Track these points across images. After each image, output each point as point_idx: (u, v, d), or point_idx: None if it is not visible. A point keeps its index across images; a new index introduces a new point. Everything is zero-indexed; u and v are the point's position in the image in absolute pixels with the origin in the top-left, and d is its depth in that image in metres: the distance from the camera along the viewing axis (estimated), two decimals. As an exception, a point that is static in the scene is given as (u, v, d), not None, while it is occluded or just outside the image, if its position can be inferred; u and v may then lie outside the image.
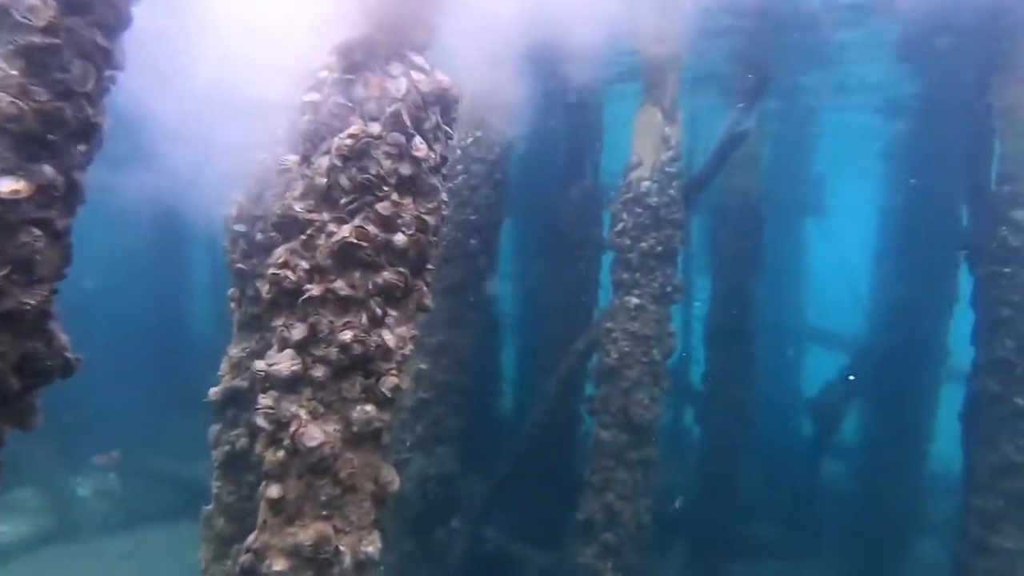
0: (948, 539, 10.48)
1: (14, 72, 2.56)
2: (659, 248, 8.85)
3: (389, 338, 3.99)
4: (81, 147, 2.81)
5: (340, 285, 3.93)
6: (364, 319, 3.95)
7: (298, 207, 4.03)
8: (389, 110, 3.99)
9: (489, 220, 9.90)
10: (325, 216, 3.99)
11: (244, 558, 4.00)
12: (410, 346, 4.11)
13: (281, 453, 3.90)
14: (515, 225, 15.68)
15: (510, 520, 12.50)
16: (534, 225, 14.67)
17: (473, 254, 9.85)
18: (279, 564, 3.86)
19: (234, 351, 5.91)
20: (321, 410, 3.94)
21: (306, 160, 4.12)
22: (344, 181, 3.95)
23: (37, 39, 2.58)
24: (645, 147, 8.98)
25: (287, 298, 4.02)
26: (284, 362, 3.91)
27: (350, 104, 4.04)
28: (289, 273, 3.99)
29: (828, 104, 17.43)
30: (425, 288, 4.23)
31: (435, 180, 4.15)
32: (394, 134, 3.98)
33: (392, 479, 4.26)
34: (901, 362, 13.77)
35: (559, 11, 7.15)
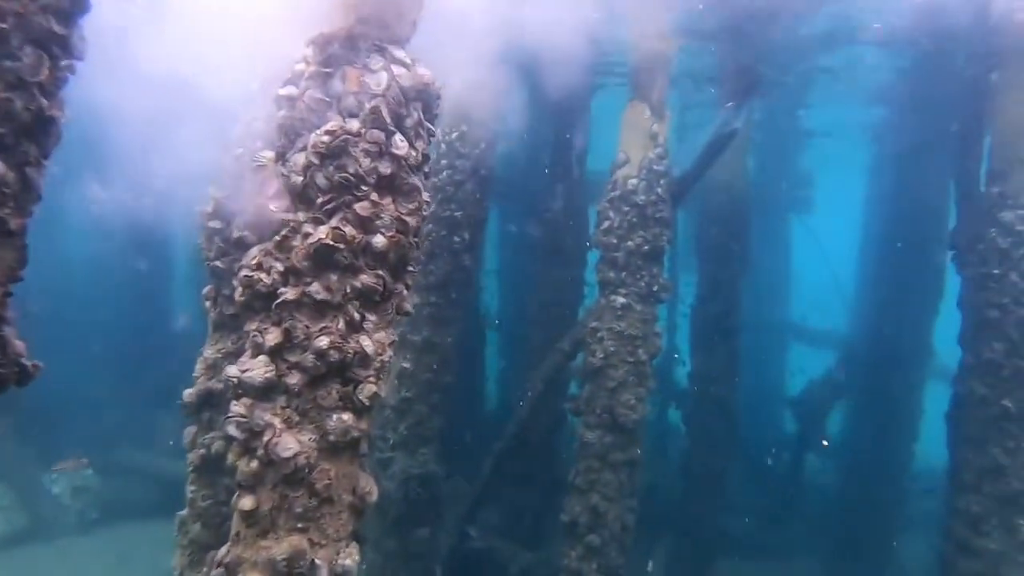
0: (932, 537, 10.49)
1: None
2: (646, 247, 8.74)
3: (367, 344, 3.83)
4: (35, 142, 2.63)
5: (316, 288, 3.76)
6: (341, 324, 3.79)
7: (273, 206, 3.85)
8: (368, 106, 3.83)
9: (474, 216, 9.75)
10: (301, 216, 3.82)
11: (216, 572, 3.84)
12: (389, 352, 3.95)
13: (254, 463, 3.74)
14: (500, 220, 15.56)
15: (494, 519, 12.39)
16: (519, 221, 14.54)
17: (458, 251, 9.70)
18: (252, 579, 3.70)
19: (209, 352, 5.72)
20: (296, 419, 3.78)
21: (281, 157, 3.94)
22: (321, 180, 3.78)
23: (-18, 26, 2.40)
24: (632, 144, 8.86)
25: (261, 301, 3.85)
26: (257, 369, 3.75)
27: (328, 99, 3.86)
28: (263, 275, 3.82)
29: (813, 100, 17.37)
30: (405, 292, 4.08)
31: (416, 179, 3.99)
32: (373, 131, 3.81)
33: (371, 489, 4.11)
34: (886, 360, 13.77)
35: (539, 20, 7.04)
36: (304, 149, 3.83)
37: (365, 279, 3.83)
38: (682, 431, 14.20)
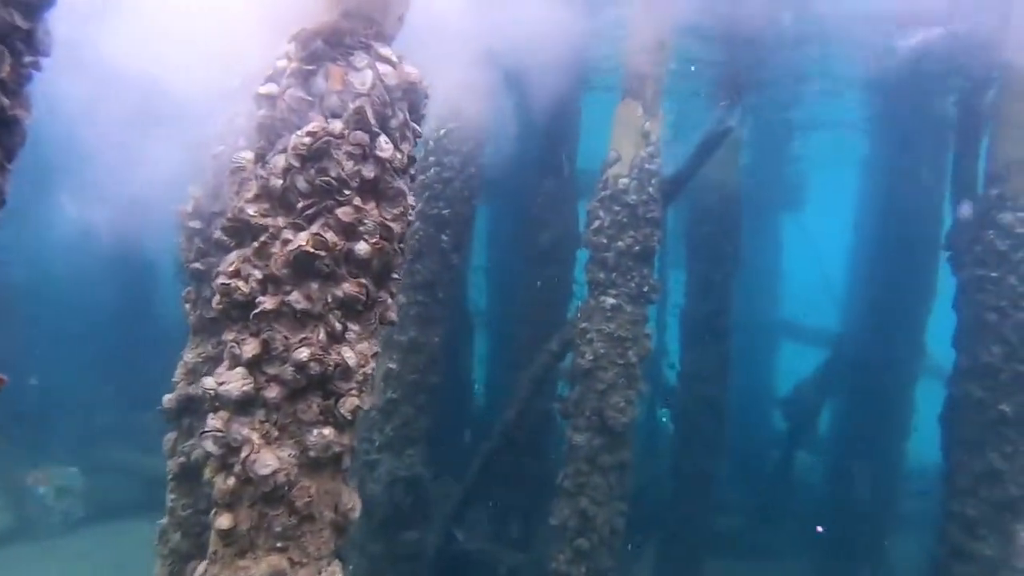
0: (924, 538, 10.43)
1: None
2: (636, 247, 8.59)
3: (349, 356, 3.66)
4: (-6, 146, 2.44)
5: (296, 298, 3.58)
6: (322, 335, 3.61)
7: (251, 210, 3.67)
8: (352, 106, 3.64)
9: (462, 215, 9.57)
10: (280, 222, 3.63)
11: (191, 592, 3.67)
12: (372, 364, 3.78)
13: (232, 480, 3.56)
14: (489, 218, 15.39)
15: (483, 520, 12.27)
16: (509, 218, 14.37)
17: (445, 250, 9.52)
18: (229, 601, 3.54)
19: (189, 356, 5.54)
20: (275, 434, 3.60)
21: (261, 159, 3.76)
22: (301, 183, 3.60)
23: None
24: (624, 142, 8.69)
25: (238, 310, 3.67)
26: (234, 381, 3.57)
27: (309, 98, 3.68)
28: (240, 283, 3.63)
29: (806, 99, 17.28)
30: (390, 300, 3.91)
31: (401, 183, 3.81)
32: (357, 132, 3.63)
33: (354, 505, 3.95)
34: (877, 359, 13.71)
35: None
36: (284, 151, 3.65)
37: (347, 288, 3.65)
38: (671, 430, 14.12)
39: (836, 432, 15.82)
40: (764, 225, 18.93)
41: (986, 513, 8.11)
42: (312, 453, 3.64)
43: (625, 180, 8.70)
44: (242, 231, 3.73)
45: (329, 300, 3.64)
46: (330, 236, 3.59)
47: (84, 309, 16.72)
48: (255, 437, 3.56)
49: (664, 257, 16.28)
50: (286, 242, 3.60)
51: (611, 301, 8.71)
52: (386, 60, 3.78)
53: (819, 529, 13.54)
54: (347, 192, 3.63)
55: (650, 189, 8.70)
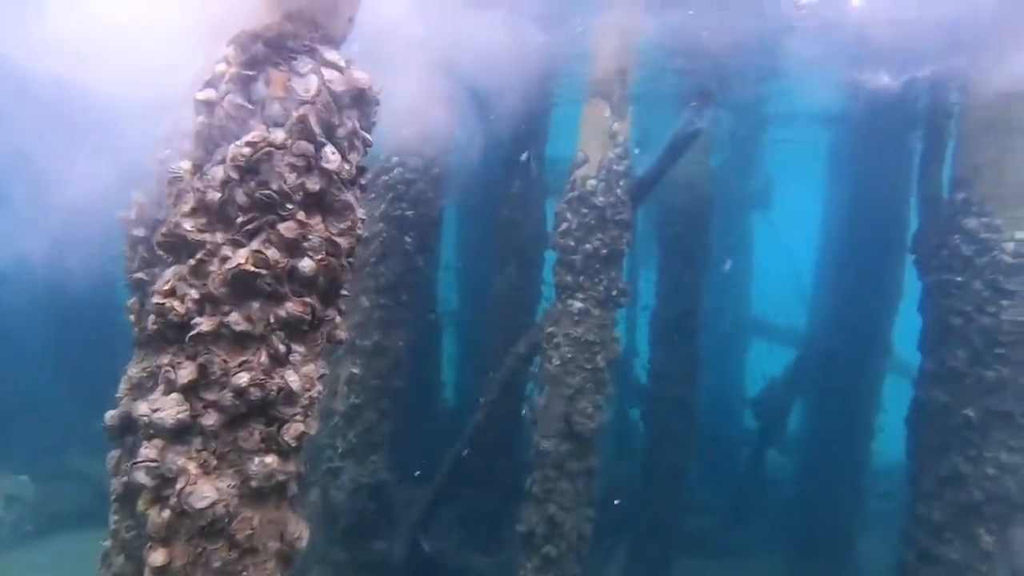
0: (891, 539, 10.43)
1: None
2: (604, 251, 8.45)
3: (293, 379, 3.45)
4: None
5: (236, 319, 3.36)
6: (264, 358, 3.40)
7: (187, 225, 3.44)
8: (295, 114, 3.43)
9: (427, 216, 9.35)
10: (218, 237, 3.41)
11: (125, 632, 3.45)
12: (319, 386, 3.58)
13: (166, 513, 3.34)
14: (458, 218, 15.19)
15: (452, 524, 12.10)
16: (476, 218, 14.17)
17: (409, 252, 9.31)
18: (164, 643, 3.32)
19: (134, 370, 5.25)
20: (214, 463, 3.39)
21: (198, 170, 3.53)
22: (241, 197, 3.38)
23: None
24: (592, 143, 8.54)
25: (174, 332, 3.45)
26: (169, 408, 3.34)
27: (250, 105, 3.46)
28: (176, 303, 3.41)
29: (775, 104, 17.35)
30: (338, 319, 3.70)
31: (349, 195, 3.60)
32: (301, 142, 3.42)
33: (300, 534, 3.74)
34: (845, 358, 13.72)
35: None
36: (223, 161, 3.42)
37: (291, 307, 3.44)
38: (642, 429, 14.04)
39: (806, 431, 15.84)
40: (734, 224, 18.92)
41: (951, 517, 8.10)
42: (254, 483, 3.43)
43: (593, 182, 8.56)
44: (178, 247, 3.50)
45: (272, 320, 3.43)
46: (272, 253, 3.38)
47: (35, 311, 16.19)
48: (192, 467, 3.34)
49: (635, 257, 16.22)
50: (224, 259, 3.38)
51: (579, 305, 8.57)
52: (332, 65, 3.57)
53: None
54: (290, 206, 3.41)
55: (618, 191, 8.56)
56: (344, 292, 3.73)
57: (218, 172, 3.42)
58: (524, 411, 9.35)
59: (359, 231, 3.68)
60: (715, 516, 15.62)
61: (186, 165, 3.59)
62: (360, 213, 3.70)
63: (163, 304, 3.42)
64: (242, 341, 3.38)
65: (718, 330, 17.08)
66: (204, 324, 3.35)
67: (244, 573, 3.48)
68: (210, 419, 3.36)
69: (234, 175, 3.37)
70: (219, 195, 3.40)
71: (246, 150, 3.35)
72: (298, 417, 3.49)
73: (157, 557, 3.37)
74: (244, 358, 3.37)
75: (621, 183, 8.53)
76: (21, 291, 15.92)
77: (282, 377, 3.43)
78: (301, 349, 3.53)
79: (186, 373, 3.35)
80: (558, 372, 8.59)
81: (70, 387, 15.96)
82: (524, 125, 11.13)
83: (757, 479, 16.11)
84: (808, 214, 18.69)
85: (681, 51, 11.20)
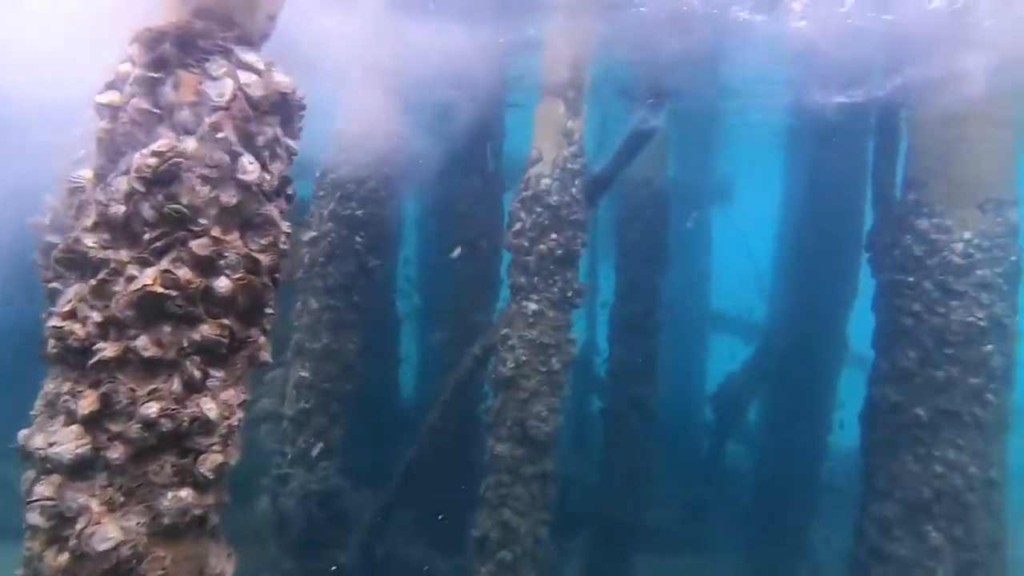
0: (843, 534, 10.49)
1: None
2: (559, 251, 8.26)
3: (210, 407, 3.20)
4: None
5: (144, 343, 3.10)
6: (176, 385, 3.14)
7: (89, 241, 3.16)
8: (208, 121, 3.16)
9: (378, 215, 9.08)
10: (123, 255, 3.13)
11: None
12: (240, 413, 3.33)
13: (64, 557, 3.07)
14: (418, 214, 14.92)
15: (410, 526, 11.88)
16: (435, 215, 13.91)
17: (360, 251, 9.03)
18: None
19: (50, 386, 4.94)
20: (120, 499, 3.12)
21: (101, 180, 3.24)
22: (148, 211, 3.11)
23: None
24: (546, 141, 8.34)
25: (75, 357, 3.17)
26: (67, 442, 3.07)
27: (157, 110, 3.18)
28: (76, 327, 3.13)
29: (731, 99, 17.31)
30: (262, 339, 3.45)
31: (271, 208, 3.35)
32: (214, 152, 3.15)
33: (222, 569, 3.50)
34: (801, 351, 13.76)
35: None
36: (127, 172, 3.15)
37: (206, 330, 3.18)
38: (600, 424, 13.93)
39: (764, 425, 15.90)
40: (692, 219, 18.88)
41: (900, 514, 8.13)
42: (166, 519, 3.17)
43: (547, 180, 8.36)
44: (79, 264, 3.22)
45: (185, 345, 3.17)
46: (183, 272, 3.12)
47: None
48: (94, 505, 3.07)
49: (595, 253, 16.08)
50: (131, 279, 3.11)
51: (533, 307, 8.38)
52: (250, 67, 3.30)
53: None
54: (203, 221, 3.15)
55: (573, 190, 8.37)
56: (269, 311, 3.48)
57: (122, 183, 3.14)
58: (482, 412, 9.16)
59: (283, 246, 3.43)
60: (675, 510, 15.61)
61: (87, 174, 3.30)
62: (284, 227, 3.45)
63: (62, 327, 3.14)
64: (151, 368, 3.12)
65: (677, 323, 17.02)
66: (108, 350, 3.08)
67: (158, 616, 3.23)
68: (115, 452, 3.09)
69: (139, 187, 3.09)
70: (123, 208, 3.12)
71: (152, 160, 3.08)
72: (216, 447, 3.24)
73: (57, 604, 3.10)
74: (154, 386, 3.11)
75: (576, 182, 8.35)
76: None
77: (197, 405, 3.18)
78: (219, 374, 3.28)
79: (87, 403, 3.08)
80: (513, 375, 8.40)
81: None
82: (479, 124, 10.89)
83: (717, 473, 16.15)
84: (767, 209, 18.73)
85: (637, 48, 11.02)
